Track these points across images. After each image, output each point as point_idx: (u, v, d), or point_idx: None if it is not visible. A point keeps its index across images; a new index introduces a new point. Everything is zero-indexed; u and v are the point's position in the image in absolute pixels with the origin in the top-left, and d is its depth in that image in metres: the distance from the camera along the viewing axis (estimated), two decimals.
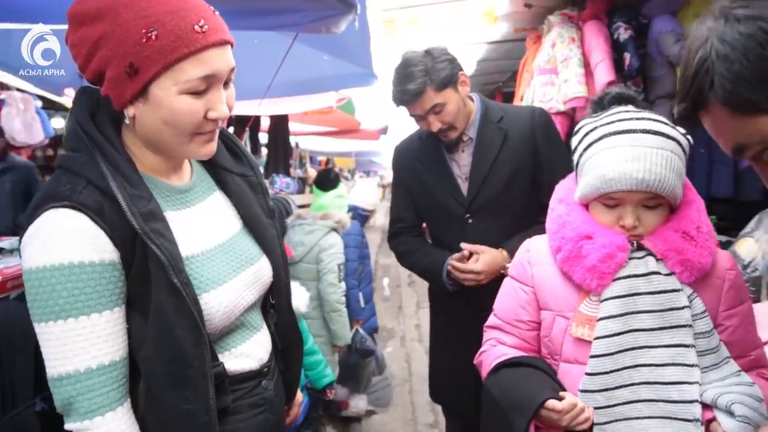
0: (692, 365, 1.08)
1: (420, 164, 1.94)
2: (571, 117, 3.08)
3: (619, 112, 1.18)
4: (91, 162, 0.93)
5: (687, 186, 1.19)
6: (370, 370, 3.51)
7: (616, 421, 1.10)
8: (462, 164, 1.88)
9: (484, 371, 1.29)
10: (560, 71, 2.98)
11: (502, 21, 3.42)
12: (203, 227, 1.07)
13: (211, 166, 1.15)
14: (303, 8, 2.58)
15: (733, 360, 1.11)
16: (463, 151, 1.88)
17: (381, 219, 11.18)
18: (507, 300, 1.31)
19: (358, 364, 3.39)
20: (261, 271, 1.14)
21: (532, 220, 1.83)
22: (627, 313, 1.11)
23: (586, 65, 2.92)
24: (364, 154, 12.86)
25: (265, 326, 1.19)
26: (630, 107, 1.20)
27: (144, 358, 0.95)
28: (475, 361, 1.37)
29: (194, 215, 1.06)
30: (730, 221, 2.78)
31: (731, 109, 0.75)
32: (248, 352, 1.11)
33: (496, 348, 1.29)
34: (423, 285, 3.88)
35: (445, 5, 3.09)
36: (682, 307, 1.09)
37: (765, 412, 1.02)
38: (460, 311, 1.90)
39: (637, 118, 1.14)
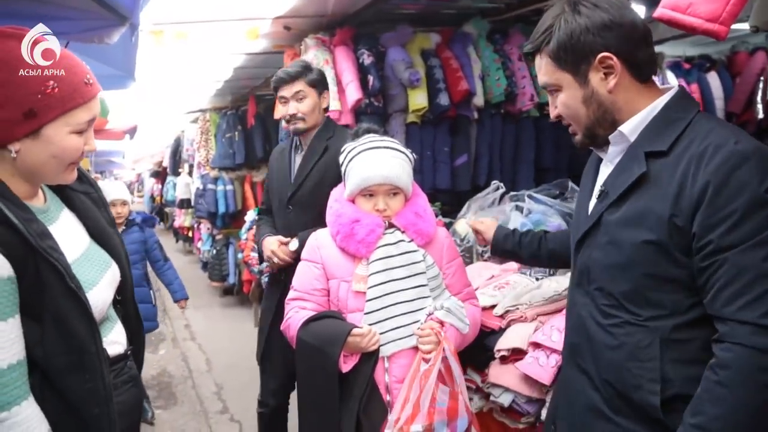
0: (427, 297, 1.67)
1: (276, 161, 2.52)
2: None
3: (369, 138, 1.76)
4: None
5: (415, 186, 1.80)
6: None
7: (388, 342, 1.64)
8: (298, 166, 2.43)
9: (292, 331, 1.71)
10: None
11: (263, 38, 3.78)
12: (67, 240, 1.25)
13: (57, 186, 1.32)
14: (72, 17, 2.59)
15: (448, 292, 1.73)
16: (301, 155, 2.43)
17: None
18: (304, 276, 1.77)
19: None
20: (115, 273, 1.37)
21: None
22: (386, 269, 1.65)
23: (339, 83, 3.46)
24: (104, 154, 11.89)
25: (118, 318, 1.41)
26: (375, 135, 1.78)
27: (41, 354, 1.13)
28: (282, 327, 1.78)
29: (57, 231, 1.24)
30: (451, 207, 3.63)
31: (552, 59, 1.22)
32: (115, 340, 1.35)
33: (298, 313, 1.72)
34: (187, 284, 4.02)
35: (213, 23, 3.33)
36: (419, 261, 1.67)
37: (462, 312, 1.67)
38: (274, 283, 2.47)
39: (380, 140, 1.74)
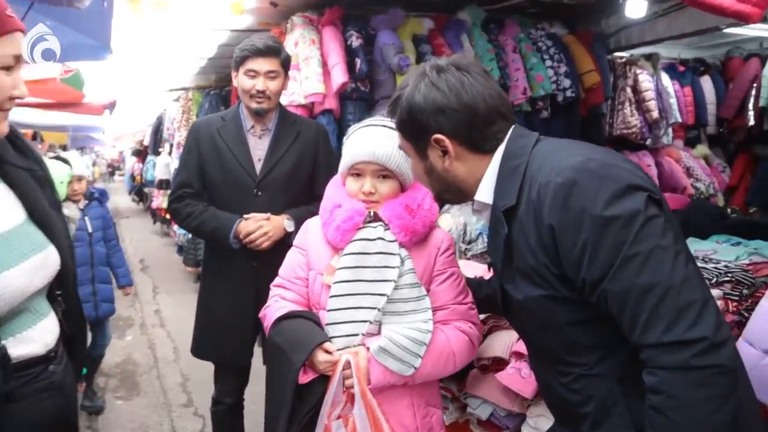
0: (376, 309, 1.45)
1: (221, 140, 2.23)
2: (311, 109, 3.44)
3: (373, 118, 1.60)
4: None
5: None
6: None
7: (341, 349, 1.44)
8: (258, 148, 2.24)
9: (268, 323, 1.55)
10: (302, 68, 3.31)
11: (248, 14, 3.60)
12: None
13: None
14: None
15: (431, 311, 1.48)
16: (261, 138, 2.25)
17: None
18: (289, 263, 1.63)
19: None
20: (48, 259, 1.21)
21: (307, 202, 2.25)
22: (357, 267, 1.48)
23: (324, 65, 3.31)
24: (82, 129, 11.49)
25: (52, 313, 1.25)
26: (382, 117, 1.56)
27: None
28: (260, 315, 1.62)
29: None
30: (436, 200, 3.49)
31: (398, 129, 1.26)
32: (34, 337, 1.17)
33: (278, 302, 1.57)
34: (157, 270, 3.80)
35: None
36: (394, 267, 1.47)
37: (414, 349, 1.42)
38: (238, 271, 2.19)
39: (382, 120, 1.55)
